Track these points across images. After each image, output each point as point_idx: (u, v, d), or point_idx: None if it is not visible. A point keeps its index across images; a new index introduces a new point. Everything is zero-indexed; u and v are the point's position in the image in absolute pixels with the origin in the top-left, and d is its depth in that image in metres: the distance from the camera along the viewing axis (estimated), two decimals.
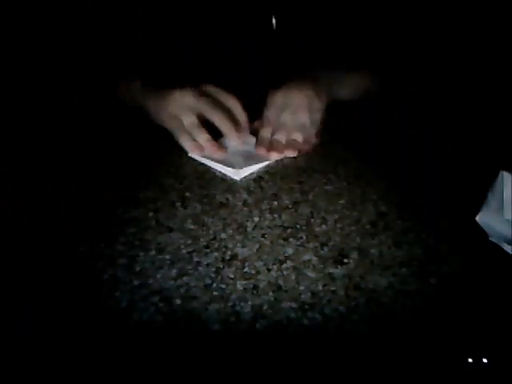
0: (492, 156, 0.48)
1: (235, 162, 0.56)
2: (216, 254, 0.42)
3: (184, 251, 0.42)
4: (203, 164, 0.57)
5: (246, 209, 0.49)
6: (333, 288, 0.38)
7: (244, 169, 0.55)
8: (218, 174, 0.55)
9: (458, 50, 0.67)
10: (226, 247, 0.43)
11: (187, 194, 0.51)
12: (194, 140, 0.58)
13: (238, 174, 0.54)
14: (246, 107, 0.61)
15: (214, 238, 0.44)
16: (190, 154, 0.59)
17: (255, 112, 0.62)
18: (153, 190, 0.52)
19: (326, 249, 0.42)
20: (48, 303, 0.37)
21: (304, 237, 0.44)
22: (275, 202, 0.50)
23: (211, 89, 0.60)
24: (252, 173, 0.55)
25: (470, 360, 0.31)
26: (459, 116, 0.61)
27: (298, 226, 0.46)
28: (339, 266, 0.40)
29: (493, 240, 0.42)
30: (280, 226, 0.46)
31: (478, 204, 0.43)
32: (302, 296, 0.37)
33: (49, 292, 0.38)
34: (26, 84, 0.70)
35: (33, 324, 0.35)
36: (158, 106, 0.60)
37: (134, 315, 0.36)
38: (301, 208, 0.48)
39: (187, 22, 0.69)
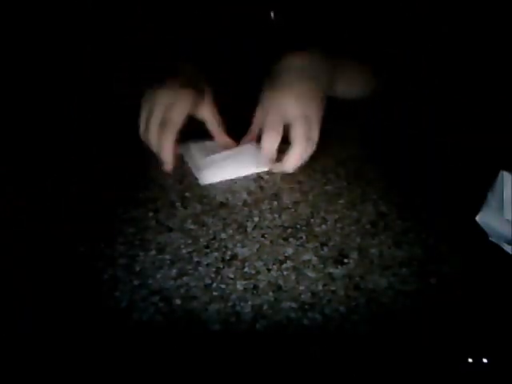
0: (492, 156, 0.48)
1: (209, 166, 0.55)
2: (216, 254, 0.42)
3: (184, 251, 0.42)
4: None
5: (245, 209, 0.49)
6: (333, 288, 0.38)
7: (211, 176, 0.54)
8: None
9: (458, 51, 0.67)
10: (225, 247, 0.43)
11: (187, 194, 0.51)
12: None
13: (203, 179, 0.54)
14: (246, 107, 0.61)
15: (214, 238, 0.44)
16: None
17: (255, 112, 0.62)
18: (153, 190, 0.52)
19: (325, 249, 0.42)
20: (48, 303, 0.37)
21: (304, 237, 0.44)
22: (275, 202, 0.50)
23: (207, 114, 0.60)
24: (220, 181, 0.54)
25: (470, 360, 0.31)
26: (459, 116, 0.61)
27: (298, 226, 0.45)
28: (339, 266, 0.40)
29: (493, 240, 0.42)
30: (280, 225, 0.46)
31: (478, 204, 0.43)
32: (302, 296, 0.37)
33: (49, 292, 0.38)
34: (26, 84, 0.70)
35: (33, 324, 0.35)
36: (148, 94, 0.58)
37: (134, 315, 0.35)
38: (301, 208, 0.48)
39: (187, 22, 0.68)
